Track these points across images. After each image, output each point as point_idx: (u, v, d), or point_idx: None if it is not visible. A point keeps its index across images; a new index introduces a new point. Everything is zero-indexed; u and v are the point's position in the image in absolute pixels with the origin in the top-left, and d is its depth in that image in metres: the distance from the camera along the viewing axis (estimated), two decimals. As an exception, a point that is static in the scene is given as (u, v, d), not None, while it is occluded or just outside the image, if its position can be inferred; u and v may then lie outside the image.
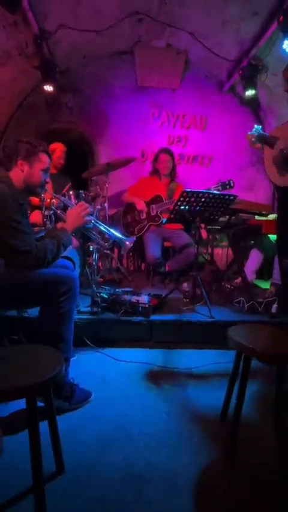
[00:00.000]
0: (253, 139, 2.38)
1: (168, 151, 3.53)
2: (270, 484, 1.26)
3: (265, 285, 3.15)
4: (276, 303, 2.54)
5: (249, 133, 2.41)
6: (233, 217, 3.16)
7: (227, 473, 1.31)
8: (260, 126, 2.43)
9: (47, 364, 1.09)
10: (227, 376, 1.60)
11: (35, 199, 3.03)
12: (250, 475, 1.30)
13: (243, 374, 1.36)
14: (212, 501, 1.18)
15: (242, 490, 1.23)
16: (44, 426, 1.15)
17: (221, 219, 2.93)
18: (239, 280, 3.15)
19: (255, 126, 2.45)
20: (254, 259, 3.17)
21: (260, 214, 3.07)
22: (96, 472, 1.27)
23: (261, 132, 2.37)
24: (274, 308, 2.53)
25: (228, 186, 2.58)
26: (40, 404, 1.10)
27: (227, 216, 3.10)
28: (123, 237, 2.20)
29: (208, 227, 3.54)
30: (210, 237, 3.98)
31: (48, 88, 3.59)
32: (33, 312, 2.05)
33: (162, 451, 1.39)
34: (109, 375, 1.97)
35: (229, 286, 3.19)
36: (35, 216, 3.01)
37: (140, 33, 3.75)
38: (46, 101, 4.00)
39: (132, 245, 2.25)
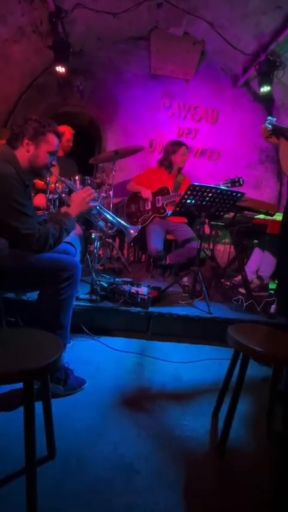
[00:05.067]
0: (269, 131, 2.25)
1: (186, 145, 3.45)
2: (258, 485, 1.26)
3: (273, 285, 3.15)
4: (275, 303, 2.54)
5: (263, 125, 2.28)
6: (238, 215, 3.13)
7: (216, 470, 1.32)
8: (275, 119, 2.28)
9: (47, 349, 1.08)
10: (222, 373, 1.60)
11: (39, 183, 2.99)
12: (239, 473, 1.31)
13: (240, 373, 1.35)
14: (200, 496, 1.19)
15: (230, 487, 1.24)
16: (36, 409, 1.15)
17: (226, 215, 2.90)
18: (238, 278, 3.14)
19: (269, 117, 2.31)
20: (256, 259, 3.15)
21: (266, 214, 3.04)
22: (87, 459, 1.27)
23: (276, 123, 2.24)
24: (273, 308, 2.53)
25: (237, 184, 2.55)
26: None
27: (232, 213, 3.07)
28: (127, 225, 2.18)
29: (211, 223, 3.51)
30: (213, 232, 3.95)
31: (61, 69, 3.51)
32: (32, 295, 2.03)
33: (153, 442, 1.40)
34: (104, 363, 1.97)
35: (228, 283, 3.18)
36: (39, 200, 2.97)
37: (157, 18, 3.65)
38: (57, 82, 3.92)
39: (136, 234, 2.23)
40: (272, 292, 2.85)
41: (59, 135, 1.69)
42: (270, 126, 2.22)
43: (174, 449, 1.38)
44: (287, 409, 1.44)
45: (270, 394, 1.56)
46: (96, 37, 3.85)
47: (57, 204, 2.72)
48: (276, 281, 2.89)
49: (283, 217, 2.22)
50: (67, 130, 3.44)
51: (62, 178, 2.12)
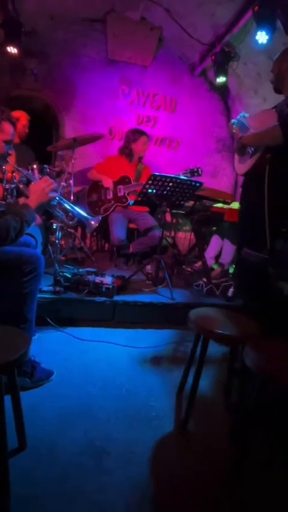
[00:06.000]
0: (233, 129, 2.14)
1: (147, 134, 3.46)
2: (217, 452, 1.39)
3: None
4: (232, 287, 2.71)
5: (231, 121, 2.19)
6: (197, 203, 3.24)
7: (181, 443, 1.42)
8: (248, 114, 2.15)
9: (13, 343, 1.09)
10: (185, 354, 1.71)
11: (-5, 171, 2.85)
12: (201, 444, 1.42)
13: (201, 354, 1.46)
14: (166, 467, 1.29)
15: (194, 457, 1.35)
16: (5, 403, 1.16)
17: (186, 204, 3.00)
18: (199, 264, 3.28)
19: (242, 113, 2.17)
20: (215, 245, 3.31)
21: (223, 202, 3.19)
22: (58, 446, 1.31)
23: (243, 120, 2.12)
24: (230, 292, 2.70)
25: (196, 174, 2.65)
26: None
27: (192, 202, 3.18)
28: (88, 216, 2.17)
29: (172, 211, 3.60)
30: (174, 220, 4.05)
31: (12, 50, 3.31)
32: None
33: (122, 424, 1.47)
34: (71, 353, 1.99)
35: (189, 269, 3.32)
36: (-5, 188, 2.84)
37: (114, 1, 3.57)
38: (9, 64, 3.70)
39: (97, 225, 2.23)
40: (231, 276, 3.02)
41: (13, 123, 1.64)
42: (237, 120, 2.16)
43: (142, 428, 1.46)
44: (243, 383, 1.58)
45: (228, 370, 1.69)
46: (50, 16, 3.67)
47: (15, 194, 2.62)
48: (234, 266, 3.07)
49: (240, 205, 2.34)
50: (22, 116, 3.30)
51: (19, 168, 2.05)
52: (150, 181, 2.50)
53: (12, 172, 2.55)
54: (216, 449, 1.40)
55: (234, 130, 2.12)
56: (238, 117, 2.19)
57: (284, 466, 1.35)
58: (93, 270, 2.70)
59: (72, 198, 3.20)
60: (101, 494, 1.14)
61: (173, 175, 2.53)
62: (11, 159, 2.18)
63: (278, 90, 2.02)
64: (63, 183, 3.03)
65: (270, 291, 1.85)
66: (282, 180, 1.77)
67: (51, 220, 2.99)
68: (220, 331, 1.40)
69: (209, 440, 1.45)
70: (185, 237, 4.28)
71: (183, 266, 3.38)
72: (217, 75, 3.70)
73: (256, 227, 1.91)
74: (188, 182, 2.57)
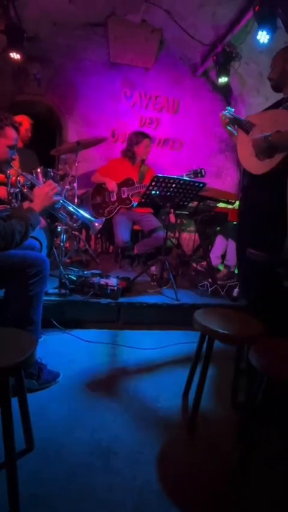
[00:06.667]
0: (228, 120, 2.22)
1: (149, 137, 3.48)
2: (224, 451, 1.39)
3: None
4: (237, 287, 2.70)
5: (222, 113, 2.26)
6: (201, 204, 3.25)
7: (188, 442, 1.43)
8: (233, 109, 2.28)
9: (20, 346, 1.10)
10: (191, 355, 1.71)
11: (0, 175, 2.89)
12: (208, 443, 1.43)
13: (206, 354, 1.46)
14: (173, 466, 1.29)
15: (201, 456, 1.35)
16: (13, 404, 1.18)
17: (190, 205, 3.01)
18: (203, 264, 3.28)
19: (228, 107, 2.29)
20: (219, 245, 3.31)
21: (227, 202, 3.19)
22: (65, 447, 1.32)
23: (234, 114, 2.23)
24: (235, 292, 2.69)
25: (199, 175, 2.66)
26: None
27: (196, 203, 3.18)
28: (92, 218, 2.19)
29: (177, 212, 3.61)
30: (178, 221, 4.06)
31: (15, 56, 3.35)
32: (-1, 293, 2.00)
33: (129, 425, 1.48)
34: (77, 355, 2.01)
35: (194, 270, 3.32)
36: (0, 192, 2.87)
37: (114, 4, 3.60)
38: (13, 69, 3.74)
39: (101, 226, 2.26)
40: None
41: (17, 129, 1.67)
42: (229, 114, 2.23)
43: (149, 429, 1.46)
44: (249, 382, 1.58)
45: (234, 370, 1.69)
46: (52, 22, 3.71)
47: (20, 198, 2.66)
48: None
49: (239, 205, 2.33)
50: (25, 120, 3.34)
51: (23, 173, 2.08)
52: (153, 183, 2.51)
53: (17, 176, 2.58)
54: (223, 448, 1.40)
55: (228, 121, 2.12)
56: (227, 111, 2.19)
57: (291, 466, 1.35)
58: (98, 272, 2.72)
59: (76, 200, 3.23)
60: (109, 493, 1.15)
61: (176, 177, 2.54)
62: (15, 164, 2.22)
63: (278, 88, 2.01)
64: (67, 186, 3.05)
65: (277, 291, 1.85)
66: None
67: (56, 223, 3.02)
68: (225, 331, 1.40)
69: (215, 438, 1.45)
70: (189, 237, 4.28)
71: (193, 265, 3.38)
72: (219, 75, 3.70)
73: (266, 227, 1.91)
74: (192, 183, 2.58)
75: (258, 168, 1.96)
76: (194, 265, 3.29)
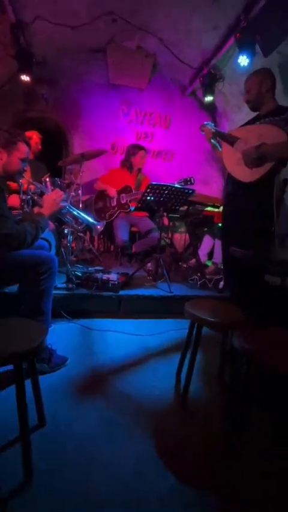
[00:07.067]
0: (211, 134, 2.18)
1: (145, 149, 3.47)
2: (212, 425, 1.39)
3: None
4: (223, 280, 2.71)
5: (203, 124, 2.20)
6: (191, 208, 3.24)
7: (179, 417, 1.43)
8: (213, 124, 2.23)
9: (32, 333, 1.10)
10: (182, 340, 1.71)
11: (13, 184, 2.86)
12: (197, 418, 1.43)
13: (196, 339, 1.46)
14: (168, 434, 1.30)
15: (193, 426, 1.36)
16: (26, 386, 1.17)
17: (181, 209, 3.00)
18: (193, 261, 3.28)
19: (209, 122, 2.22)
20: (207, 244, 3.31)
21: (214, 206, 3.18)
22: (74, 422, 1.32)
23: (216, 128, 2.20)
24: (221, 285, 2.70)
25: (189, 182, 2.65)
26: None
27: (186, 207, 3.18)
28: (94, 221, 2.19)
29: (169, 215, 3.60)
30: (171, 223, 4.05)
31: (25, 78, 3.32)
32: (13, 288, 1.98)
33: (129, 399, 1.48)
34: (83, 341, 2.01)
35: (185, 266, 3.32)
36: (13, 200, 2.84)
37: (113, 33, 3.56)
38: (23, 90, 3.71)
39: (102, 229, 2.26)
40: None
41: (28, 143, 1.66)
42: (212, 128, 2.19)
43: (146, 405, 1.46)
44: (233, 365, 1.59)
45: (220, 353, 1.69)
46: (57, 48, 3.67)
47: (31, 204, 2.64)
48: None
49: (223, 210, 2.31)
50: (34, 134, 3.31)
51: (34, 182, 2.07)
52: (148, 190, 2.51)
53: (28, 185, 2.56)
54: (213, 422, 1.41)
55: (210, 135, 2.10)
56: (208, 125, 2.17)
57: (273, 439, 1.35)
58: (100, 268, 2.71)
59: (80, 206, 3.21)
60: (113, 458, 1.16)
61: (168, 184, 2.53)
62: (27, 174, 2.21)
63: (255, 108, 2.00)
64: (72, 193, 3.03)
65: (257, 284, 1.85)
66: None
67: (63, 226, 3.00)
68: (212, 319, 1.41)
69: (205, 413, 1.46)
70: (180, 237, 4.27)
71: (180, 263, 3.38)
72: (205, 94, 3.69)
73: (251, 231, 1.91)
74: (182, 190, 2.57)
75: (247, 176, 1.92)
76: (184, 265, 3.28)
